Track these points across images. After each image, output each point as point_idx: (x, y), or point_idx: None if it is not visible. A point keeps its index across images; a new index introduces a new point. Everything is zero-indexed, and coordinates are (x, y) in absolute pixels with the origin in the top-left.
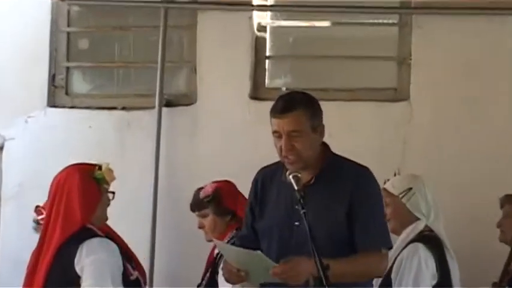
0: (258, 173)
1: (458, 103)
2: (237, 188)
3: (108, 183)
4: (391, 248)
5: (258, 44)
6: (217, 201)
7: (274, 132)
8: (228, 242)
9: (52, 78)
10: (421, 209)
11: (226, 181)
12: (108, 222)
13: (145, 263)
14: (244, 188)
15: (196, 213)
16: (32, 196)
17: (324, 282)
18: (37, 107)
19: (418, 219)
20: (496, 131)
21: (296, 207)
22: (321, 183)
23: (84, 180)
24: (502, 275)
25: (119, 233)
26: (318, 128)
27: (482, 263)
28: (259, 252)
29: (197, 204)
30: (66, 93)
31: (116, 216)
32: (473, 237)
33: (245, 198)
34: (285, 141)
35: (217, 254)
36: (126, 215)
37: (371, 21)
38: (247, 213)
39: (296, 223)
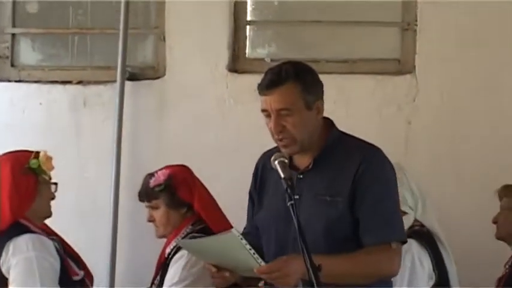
0: (259, 158)
1: (470, 76)
2: (194, 175)
3: (46, 173)
4: (404, 242)
5: (238, 8)
6: (170, 191)
7: (262, 110)
8: (183, 239)
9: None
10: (407, 201)
11: (181, 166)
12: (63, 216)
13: (105, 260)
14: (222, 175)
15: (146, 204)
16: None
17: (315, 285)
18: None
19: (405, 213)
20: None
21: (295, 196)
22: (321, 168)
23: (15, 171)
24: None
25: (74, 227)
26: (314, 104)
27: (487, 255)
28: (232, 231)
29: (147, 194)
30: (12, 65)
31: (72, 208)
32: (480, 223)
33: (204, 187)
34: (274, 121)
35: (169, 253)
36: (83, 207)
37: None
38: (249, 205)
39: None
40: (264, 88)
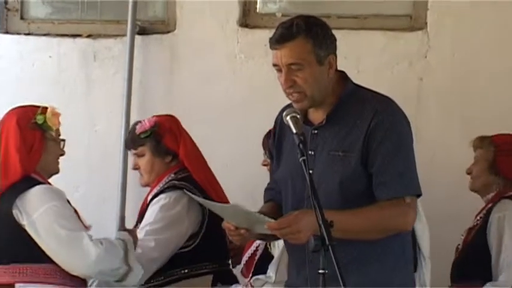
0: (278, 113)
1: (482, 33)
2: (181, 125)
3: (52, 129)
4: (419, 195)
5: None
6: (156, 138)
7: (273, 65)
8: (164, 185)
9: (4, 1)
10: None
11: (169, 116)
12: (73, 169)
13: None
14: (232, 130)
15: (132, 151)
16: None
17: (327, 241)
18: None
19: None
20: None
21: (310, 152)
22: (335, 123)
23: (22, 126)
24: None
25: (85, 179)
26: (326, 59)
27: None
28: (234, 204)
29: (133, 141)
30: (21, 18)
31: (82, 161)
32: None
33: (190, 138)
34: (284, 75)
35: (150, 200)
36: (93, 159)
37: None
38: (271, 161)
39: (310, 170)
40: (275, 42)
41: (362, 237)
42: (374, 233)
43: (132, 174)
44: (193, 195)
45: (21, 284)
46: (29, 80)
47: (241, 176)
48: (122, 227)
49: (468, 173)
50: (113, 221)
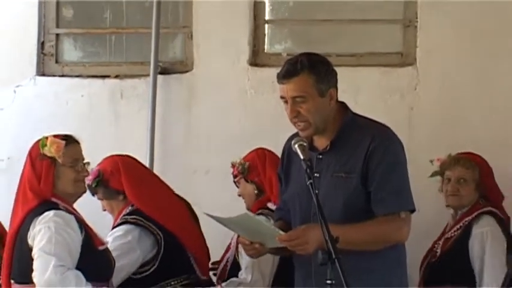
0: (286, 142)
1: (467, 68)
2: (124, 164)
3: (55, 156)
4: (413, 210)
5: (257, 8)
6: (103, 185)
7: (281, 97)
8: (119, 222)
9: (41, 45)
10: None
11: (111, 158)
12: None
13: None
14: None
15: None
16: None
17: (333, 255)
18: (26, 76)
19: None
20: (508, 96)
21: (316, 174)
22: (337, 149)
23: (33, 157)
24: None
25: None
26: (327, 92)
27: None
28: (246, 213)
29: (90, 190)
30: (56, 61)
31: None
32: None
33: (135, 173)
34: (290, 106)
35: None
36: None
37: None
38: (280, 184)
39: (316, 191)
40: (282, 77)
41: (362, 249)
42: (373, 245)
43: None
44: (212, 216)
45: None
46: (63, 116)
47: None
48: None
49: (453, 191)
50: None
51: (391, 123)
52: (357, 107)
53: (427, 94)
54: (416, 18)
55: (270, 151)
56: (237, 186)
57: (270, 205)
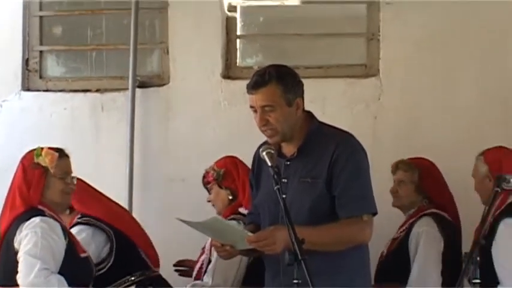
0: (256, 149)
1: (426, 78)
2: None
3: (48, 166)
4: (375, 213)
5: (229, 24)
6: None
7: (250, 106)
8: (74, 224)
9: (26, 62)
10: None
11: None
12: None
13: None
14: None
15: None
16: (9, 180)
17: (299, 256)
18: (11, 91)
19: None
20: (464, 104)
21: (283, 180)
22: (304, 155)
23: (25, 166)
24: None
25: None
26: (294, 101)
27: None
28: (215, 216)
29: None
30: (40, 77)
31: None
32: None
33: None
34: (259, 115)
35: None
36: None
37: None
38: (250, 189)
39: (284, 196)
40: (251, 88)
41: (327, 249)
42: (337, 245)
43: (138, 212)
44: (183, 221)
45: None
46: (47, 128)
47: None
48: None
49: (394, 193)
50: None
51: (356, 131)
52: (324, 116)
53: (390, 103)
54: (379, 31)
55: (238, 158)
56: (209, 192)
57: (242, 210)
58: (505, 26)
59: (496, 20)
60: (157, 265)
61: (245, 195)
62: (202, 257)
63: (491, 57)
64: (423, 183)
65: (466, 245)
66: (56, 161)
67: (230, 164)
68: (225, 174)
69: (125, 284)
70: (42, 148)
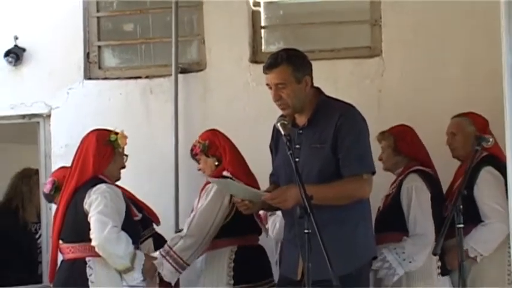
0: (276, 120)
1: (423, 57)
2: (63, 174)
3: (121, 147)
4: (374, 172)
5: (255, 17)
6: (59, 191)
7: (266, 84)
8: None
9: (87, 55)
10: None
11: (60, 169)
12: (139, 172)
13: (171, 205)
14: (250, 138)
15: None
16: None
17: (308, 210)
18: (76, 80)
19: None
20: (454, 76)
21: (297, 146)
22: (313, 125)
23: (99, 142)
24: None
25: (146, 180)
26: (303, 79)
27: None
28: (228, 180)
29: (48, 199)
30: (99, 67)
31: (145, 166)
32: (444, 175)
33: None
34: (273, 92)
35: None
36: (153, 165)
37: None
38: (272, 155)
39: (297, 159)
40: (265, 69)
41: (333, 203)
42: (341, 200)
43: (183, 176)
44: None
45: (90, 258)
46: (106, 110)
47: (254, 167)
48: (176, 216)
49: (380, 159)
50: (170, 211)
51: (364, 103)
52: (337, 92)
53: (391, 79)
54: (381, 18)
55: (218, 130)
56: (198, 162)
57: (225, 173)
58: (490, 10)
59: (479, 7)
60: (158, 221)
61: (227, 158)
62: (192, 214)
63: (478, 37)
64: (397, 146)
65: None
66: (126, 144)
67: (212, 135)
68: (210, 145)
69: (147, 235)
70: (116, 131)
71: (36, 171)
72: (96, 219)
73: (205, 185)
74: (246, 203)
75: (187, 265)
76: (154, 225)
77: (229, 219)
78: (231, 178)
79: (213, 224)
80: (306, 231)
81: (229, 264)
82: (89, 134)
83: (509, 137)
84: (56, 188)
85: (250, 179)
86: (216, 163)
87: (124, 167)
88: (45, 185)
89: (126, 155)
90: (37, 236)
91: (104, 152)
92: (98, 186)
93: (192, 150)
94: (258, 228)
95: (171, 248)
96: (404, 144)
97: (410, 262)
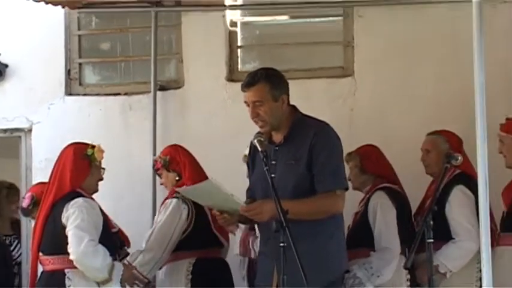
0: (253, 137)
1: (392, 77)
2: (40, 190)
3: (97, 160)
4: (346, 188)
5: (231, 37)
6: (39, 205)
7: (244, 102)
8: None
9: (68, 72)
10: None
11: (38, 185)
12: (118, 185)
13: (148, 215)
14: (226, 154)
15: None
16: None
17: (284, 224)
18: (57, 96)
19: None
20: (422, 95)
21: (273, 162)
22: (289, 142)
23: (76, 156)
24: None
25: (126, 193)
26: (280, 97)
27: None
28: (209, 180)
29: (25, 214)
30: (80, 84)
31: (123, 180)
32: (414, 191)
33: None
34: (251, 109)
35: None
36: (131, 178)
37: (321, 14)
38: (248, 170)
39: (272, 175)
40: (244, 86)
41: (307, 218)
42: (315, 215)
43: (161, 190)
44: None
45: (68, 270)
46: (86, 125)
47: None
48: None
49: (348, 179)
50: (148, 221)
51: (336, 121)
52: (310, 110)
53: (363, 98)
54: (353, 39)
55: (179, 145)
56: (159, 177)
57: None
58: (455, 32)
59: (448, 28)
60: (129, 244)
61: (186, 174)
62: (151, 229)
63: (445, 58)
64: (364, 165)
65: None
66: (102, 157)
67: (173, 151)
68: (170, 160)
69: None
70: (93, 145)
71: (9, 185)
72: (73, 233)
73: (165, 200)
74: (225, 216)
75: (148, 279)
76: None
77: (187, 233)
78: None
79: (171, 239)
80: (281, 244)
81: (187, 276)
82: (66, 148)
83: (480, 155)
84: (34, 203)
85: None
86: (177, 178)
87: (101, 179)
88: (24, 199)
89: (103, 168)
90: (12, 248)
91: (81, 166)
92: (75, 200)
93: (154, 165)
94: (218, 242)
95: (130, 264)
96: (370, 163)
97: (378, 276)
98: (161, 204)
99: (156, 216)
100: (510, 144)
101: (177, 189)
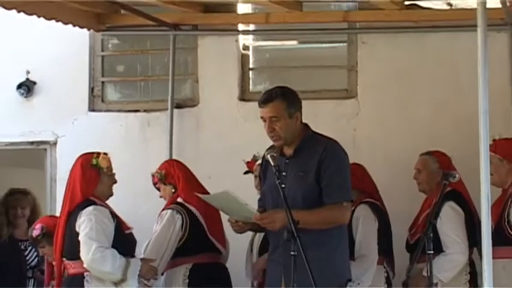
0: (266, 150)
1: (394, 100)
2: (51, 222)
3: (104, 167)
4: (352, 201)
5: (244, 60)
6: (48, 236)
7: (261, 117)
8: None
9: (91, 90)
10: None
11: (49, 217)
12: (135, 198)
13: None
14: (238, 171)
15: (40, 247)
16: None
17: (295, 234)
18: (81, 112)
19: None
20: (422, 118)
21: (283, 173)
22: (299, 155)
23: (83, 168)
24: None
25: (142, 206)
26: (294, 114)
27: None
28: (225, 190)
29: (34, 243)
30: (102, 101)
31: (142, 191)
32: (411, 207)
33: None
34: (267, 124)
35: None
36: (149, 189)
37: (327, 40)
38: (260, 181)
39: (283, 186)
40: (261, 103)
41: (316, 227)
42: (323, 224)
43: None
44: (202, 196)
45: (87, 273)
46: (107, 139)
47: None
48: None
49: None
50: None
51: (340, 140)
52: (316, 129)
53: (366, 119)
54: (357, 64)
55: (175, 160)
56: (158, 190)
57: (179, 199)
58: (453, 60)
59: (447, 55)
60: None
61: (180, 186)
62: (148, 240)
63: (444, 82)
64: None
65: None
66: (109, 163)
67: (168, 165)
68: (166, 174)
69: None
70: (98, 154)
71: (24, 191)
72: (83, 241)
73: (161, 211)
74: (240, 224)
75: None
76: None
77: (183, 241)
78: (179, 203)
79: (167, 247)
80: (292, 253)
81: (184, 280)
82: (76, 160)
83: (484, 172)
84: (44, 234)
85: (201, 206)
86: (173, 190)
87: (115, 182)
88: (34, 229)
89: (114, 173)
90: (26, 253)
91: (89, 175)
92: (87, 208)
93: (152, 179)
94: (215, 248)
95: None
96: (356, 179)
97: (358, 284)
98: (158, 215)
99: (154, 226)
100: (497, 163)
101: (198, 195)
